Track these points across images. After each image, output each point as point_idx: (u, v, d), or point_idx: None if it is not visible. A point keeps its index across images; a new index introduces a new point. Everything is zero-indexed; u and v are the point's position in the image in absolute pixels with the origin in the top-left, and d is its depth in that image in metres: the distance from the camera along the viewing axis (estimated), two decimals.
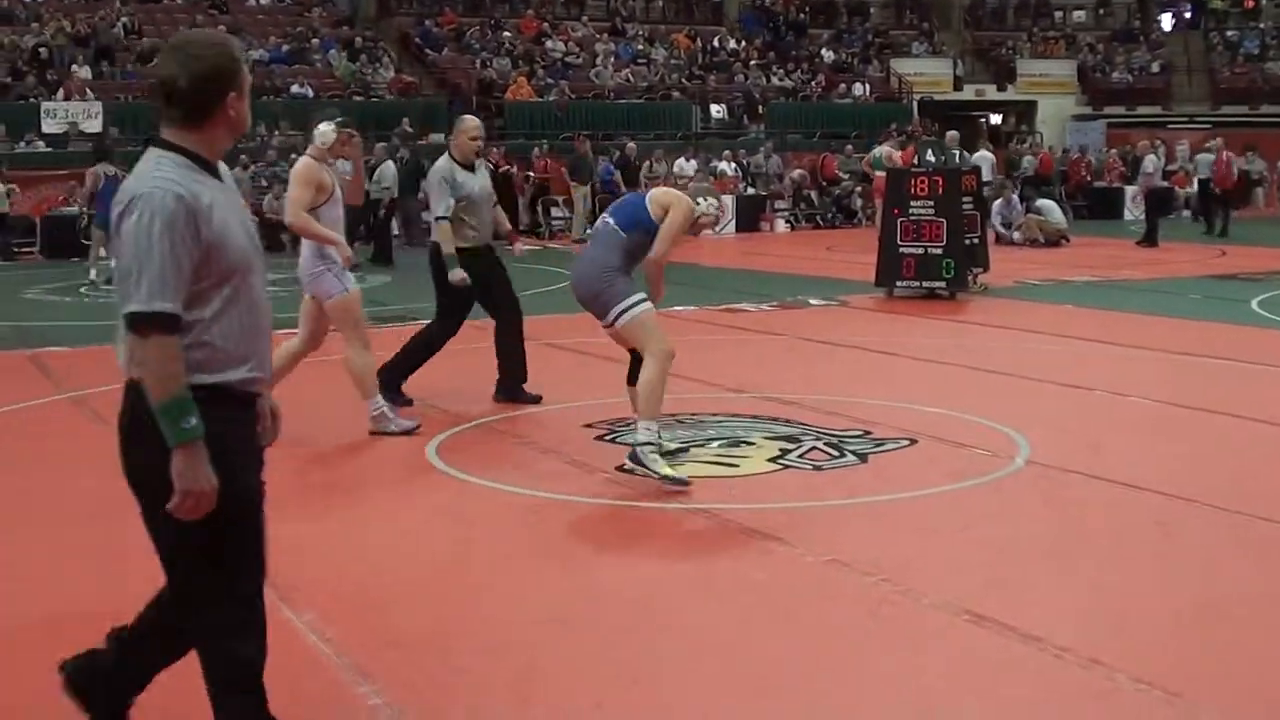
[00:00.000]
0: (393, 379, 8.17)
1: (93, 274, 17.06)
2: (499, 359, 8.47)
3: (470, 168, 8.26)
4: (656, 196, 6.39)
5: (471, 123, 8.41)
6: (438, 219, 8.25)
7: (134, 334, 2.93)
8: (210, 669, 3.20)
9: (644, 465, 6.09)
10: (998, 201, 21.50)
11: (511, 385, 8.43)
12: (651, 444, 6.12)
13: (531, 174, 24.72)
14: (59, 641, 4.46)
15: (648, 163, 25.36)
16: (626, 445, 6.98)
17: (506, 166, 23.92)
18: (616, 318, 6.20)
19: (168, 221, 2.90)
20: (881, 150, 20.45)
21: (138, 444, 3.04)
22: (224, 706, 3.22)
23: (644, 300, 6.25)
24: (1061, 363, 9.82)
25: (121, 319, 2.96)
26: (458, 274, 8.18)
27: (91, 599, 4.89)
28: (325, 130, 7.42)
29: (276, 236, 21.74)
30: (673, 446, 6.71)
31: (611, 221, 6.39)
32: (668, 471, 6.10)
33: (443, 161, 8.32)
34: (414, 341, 8.55)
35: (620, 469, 6.33)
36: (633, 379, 6.44)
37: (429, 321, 8.66)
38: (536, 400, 8.33)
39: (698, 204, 6.43)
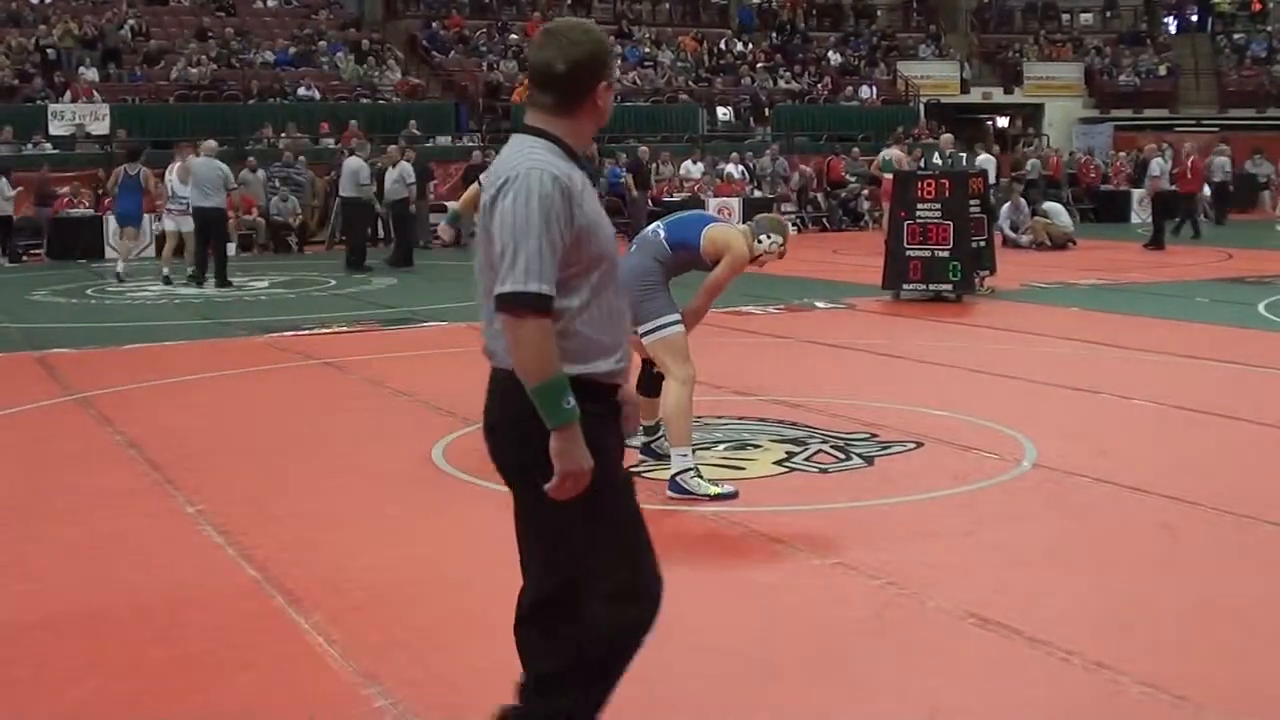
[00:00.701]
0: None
1: (120, 268, 17.10)
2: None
3: None
4: (714, 234, 6.23)
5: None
6: None
7: (508, 315, 2.88)
8: (593, 642, 3.09)
9: (688, 491, 6.03)
10: (1006, 205, 21.49)
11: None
12: (689, 469, 6.08)
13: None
14: (59, 641, 4.48)
15: (654, 165, 25.37)
16: (631, 448, 6.98)
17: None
18: (647, 333, 6.14)
19: (544, 202, 2.88)
20: (890, 153, 20.44)
21: (513, 433, 3.01)
22: (583, 676, 3.10)
23: (677, 322, 6.19)
24: (1068, 366, 9.80)
25: (490, 301, 2.91)
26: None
27: (93, 599, 4.90)
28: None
29: (284, 239, 21.82)
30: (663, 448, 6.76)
31: (662, 234, 6.30)
32: (715, 490, 6.05)
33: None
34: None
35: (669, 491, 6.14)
36: (639, 388, 6.49)
37: None
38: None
39: (759, 242, 6.35)
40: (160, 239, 18.20)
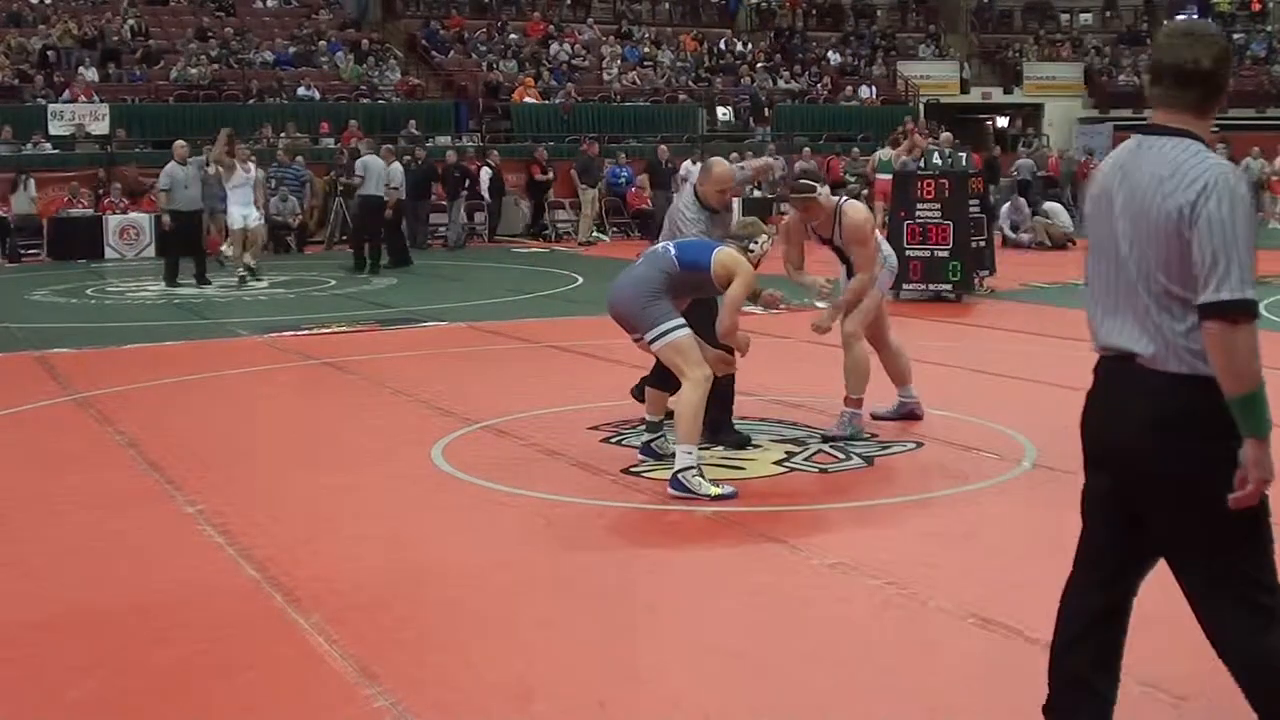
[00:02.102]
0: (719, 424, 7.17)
1: (227, 250, 17.27)
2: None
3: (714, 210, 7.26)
4: (723, 258, 6.27)
5: (722, 170, 7.26)
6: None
7: (1224, 323, 2.84)
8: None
9: (689, 490, 6.03)
10: (1006, 205, 21.49)
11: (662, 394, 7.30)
12: (691, 468, 6.09)
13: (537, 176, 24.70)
14: (59, 641, 4.48)
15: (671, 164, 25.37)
16: (631, 448, 6.99)
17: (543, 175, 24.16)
18: (655, 339, 6.20)
19: (1246, 207, 2.90)
20: (884, 152, 20.41)
21: (1184, 443, 2.95)
22: None
23: (683, 325, 6.22)
24: (1068, 366, 9.75)
25: (1199, 307, 2.87)
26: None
27: (93, 599, 4.90)
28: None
29: (283, 239, 21.81)
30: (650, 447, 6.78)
31: (673, 252, 6.36)
32: (715, 491, 6.05)
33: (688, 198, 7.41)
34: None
35: (671, 492, 6.14)
36: (639, 393, 6.58)
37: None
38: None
39: (750, 250, 6.41)
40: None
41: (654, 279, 6.26)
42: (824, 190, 7.08)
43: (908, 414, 7.72)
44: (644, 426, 6.91)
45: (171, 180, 16.29)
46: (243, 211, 16.38)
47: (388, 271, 18.00)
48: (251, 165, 16.71)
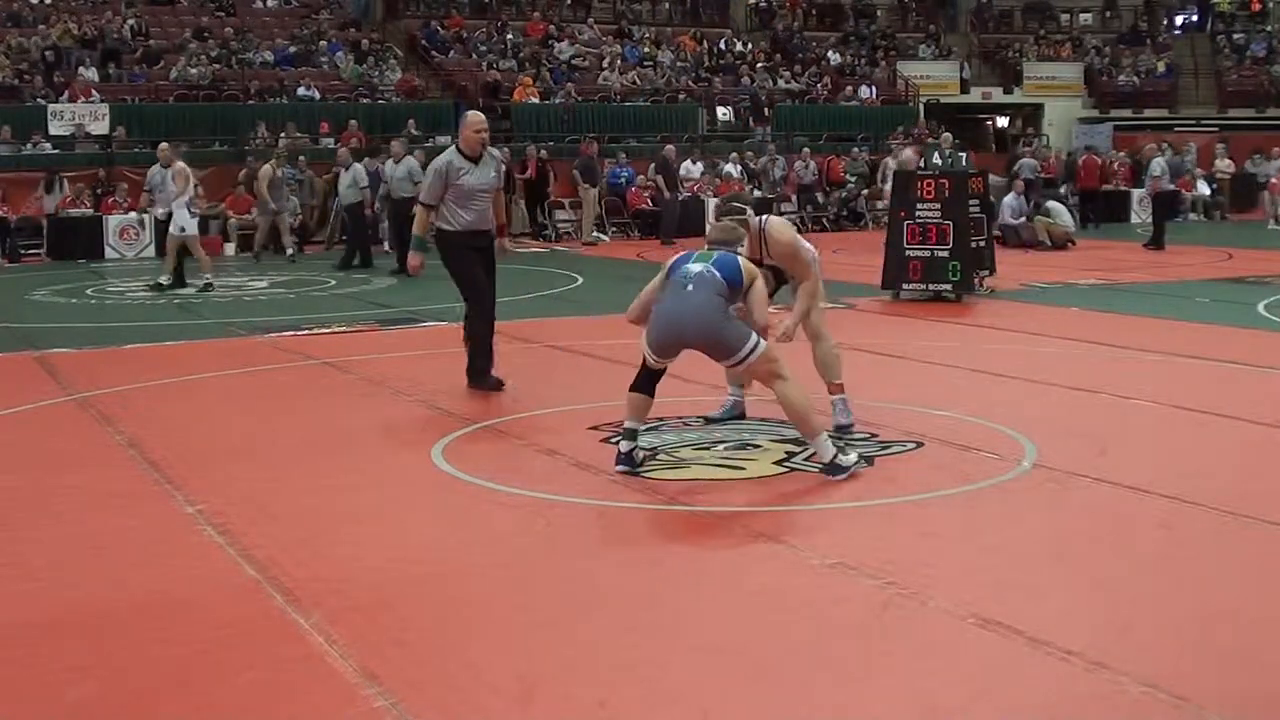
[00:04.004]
0: (479, 373, 8.80)
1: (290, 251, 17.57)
2: (470, 344, 8.88)
3: (475, 160, 8.70)
4: (746, 265, 6.70)
5: (475, 117, 8.93)
6: (420, 203, 8.92)
7: None
8: None
9: (846, 469, 6.40)
10: (1008, 196, 21.51)
11: (480, 371, 8.83)
12: (837, 452, 6.45)
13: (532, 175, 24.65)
14: (59, 641, 4.48)
15: (652, 165, 25.38)
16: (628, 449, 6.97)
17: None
18: (747, 355, 6.48)
19: None
20: (906, 155, 20.33)
21: None
22: None
23: (759, 337, 6.58)
24: (1068, 366, 9.81)
25: None
26: (416, 258, 8.98)
27: (93, 599, 4.90)
28: None
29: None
30: (644, 447, 6.77)
31: (717, 273, 6.57)
32: (854, 462, 6.48)
33: (449, 153, 8.77)
34: (468, 338, 8.94)
35: (823, 473, 6.44)
36: (636, 387, 6.64)
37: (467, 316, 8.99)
38: (500, 386, 8.79)
39: (739, 252, 6.87)
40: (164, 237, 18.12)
41: (718, 303, 6.51)
42: (749, 213, 7.36)
43: (740, 413, 7.84)
44: (622, 435, 6.75)
45: (150, 183, 16.37)
46: (179, 221, 16.20)
47: (360, 271, 18.03)
48: (187, 170, 16.57)
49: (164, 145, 17.06)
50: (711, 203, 23.37)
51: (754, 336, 6.52)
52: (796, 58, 33.96)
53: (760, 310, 6.68)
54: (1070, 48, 38.01)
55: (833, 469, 6.40)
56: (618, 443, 6.80)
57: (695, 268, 6.60)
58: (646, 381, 6.70)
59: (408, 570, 5.18)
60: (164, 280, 16.05)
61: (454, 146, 8.84)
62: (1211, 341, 10.94)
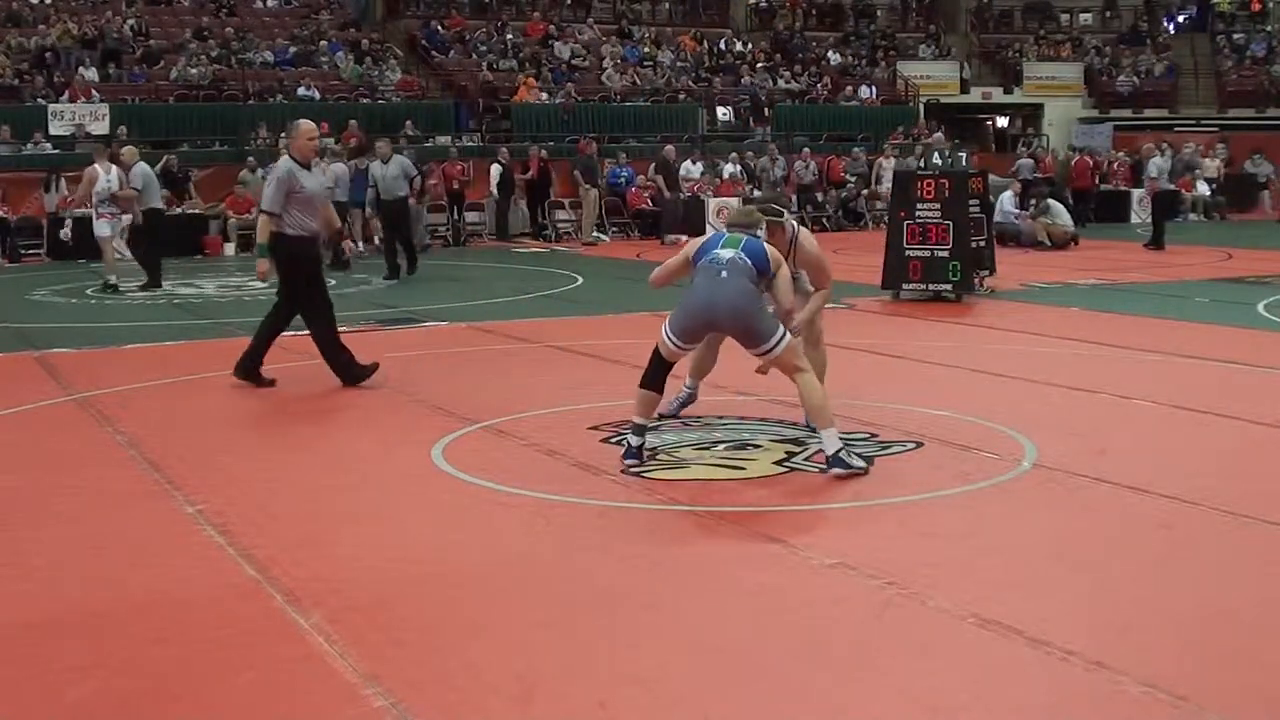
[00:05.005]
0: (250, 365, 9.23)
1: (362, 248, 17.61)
2: (321, 350, 9.29)
3: (308, 167, 9.19)
4: (772, 251, 6.82)
5: (307, 125, 9.34)
6: (261, 211, 9.23)
7: None
8: None
9: (850, 467, 6.45)
10: (1006, 193, 21.51)
11: (346, 368, 9.21)
12: (843, 447, 6.53)
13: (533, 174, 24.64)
14: (59, 641, 4.48)
15: (652, 165, 25.39)
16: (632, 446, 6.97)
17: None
18: (774, 345, 6.57)
19: None
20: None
21: None
22: None
23: (786, 331, 6.70)
24: (1068, 366, 9.81)
25: None
26: (264, 264, 9.35)
27: (93, 599, 4.90)
28: None
29: None
30: (640, 444, 6.76)
31: (749, 260, 6.66)
32: (860, 464, 6.52)
33: (286, 161, 9.23)
34: (261, 328, 9.41)
35: (829, 470, 6.46)
36: (647, 383, 6.66)
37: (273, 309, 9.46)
38: (375, 368, 9.22)
39: (758, 236, 6.99)
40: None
41: (753, 291, 6.63)
42: (787, 217, 7.57)
43: (691, 402, 7.96)
44: (630, 430, 6.76)
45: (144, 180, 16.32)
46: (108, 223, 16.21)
47: (336, 273, 18.03)
48: (114, 169, 16.33)
49: (130, 148, 16.95)
50: (712, 203, 23.38)
51: (781, 328, 6.64)
52: (796, 58, 33.96)
53: (786, 296, 6.84)
54: (1070, 48, 38.02)
55: (836, 461, 6.45)
56: (621, 441, 6.81)
57: (726, 253, 6.67)
58: (658, 376, 6.75)
59: (408, 570, 5.18)
60: (112, 280, 16.16)
61: (288, 155, 9.28)
62: (1211, 341, 10.94)
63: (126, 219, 16.63)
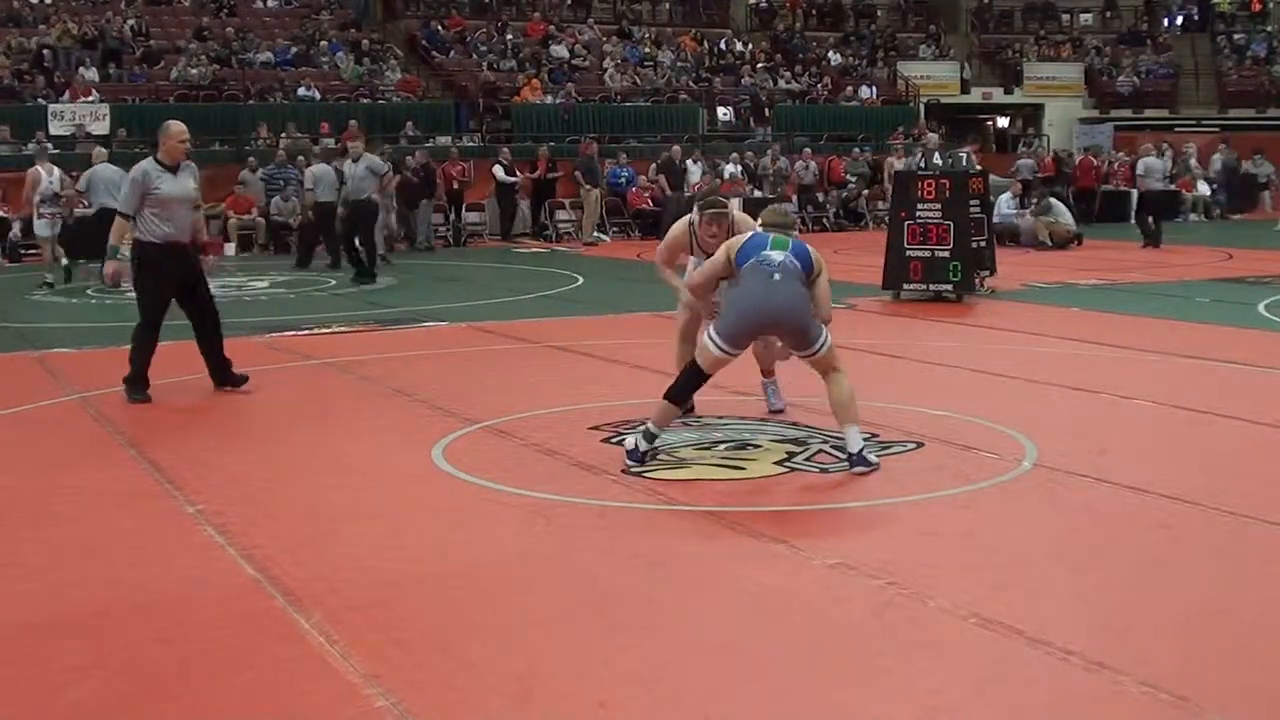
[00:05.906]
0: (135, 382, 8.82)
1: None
2: (204, 357, 9.14)
3: (173, 170, 8.82)
4: (815, 255, 6.84)
5: (178, 127, 9.00)
6: (118, 213, 8.93)
7: None
8: None
9: (871, 464, 6.53)
10: (1004, 195, 21.50)
11: (222, 375, 9.12)
12: (868, 444, 6.66)
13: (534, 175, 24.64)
14: (59, 641, 4.48)
15: (653, 165, 25.38)
16: (633, 448, 6.97)
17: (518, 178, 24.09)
18: (820, 348, 6.69)
19: None
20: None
21: None
22: None
23: (828, 333, 6.79)
24: (1068, 366, 9.81)
25: None
26: (111, 265, 9.11)
27: (92, 599, 4.90)
28: None
29: (283, 239, 21.81)
30: (642, 446, 6.75)
31: (798, 264, 6.71)
32: (876, 460, 6.62)
33: (145, 163, 8.91)
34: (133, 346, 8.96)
35: (851, 468, 6.52)
36: (674, 397, 6.71)
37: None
38: (245, 379, 9.09)
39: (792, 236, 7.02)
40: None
41: (804, 294, 6.70)
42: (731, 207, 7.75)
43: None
44: (641, 434, 6.74)
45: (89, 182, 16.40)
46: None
47: (327, 272, 18.08)
48: (56, 170, 16.49)
49: (101, 149, 17.11)
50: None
51: (825, 331, 6.74)
52: (797, 58, 33.97)
53: (827, 305, 6.89)
54: (1070, 48, 38.02)
55: (860, 460, 6.50)
56: (622, 440, 6.80)
57: (777, 256, 6.70)
58: (688, 390, 6.84)
59: (408, 570, 5.18)
60: (50, 279, 16.30)
61: (152, 157, 8.93)
62: (1211, 341, 10.94)
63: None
